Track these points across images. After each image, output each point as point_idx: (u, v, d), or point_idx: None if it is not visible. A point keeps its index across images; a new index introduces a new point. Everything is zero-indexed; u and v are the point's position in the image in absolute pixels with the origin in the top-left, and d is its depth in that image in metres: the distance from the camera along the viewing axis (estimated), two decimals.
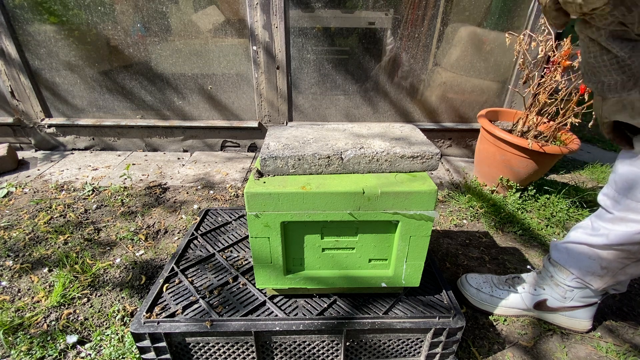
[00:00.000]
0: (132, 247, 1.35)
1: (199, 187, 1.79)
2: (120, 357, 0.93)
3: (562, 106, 1.55)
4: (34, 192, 1.70)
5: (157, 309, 0.81)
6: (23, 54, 1.91)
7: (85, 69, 1.96)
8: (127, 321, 1.04)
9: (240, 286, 0.90)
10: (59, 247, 1.33)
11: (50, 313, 1.06)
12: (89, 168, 1.95)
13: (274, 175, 0.75)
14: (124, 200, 1.65)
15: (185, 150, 2.20)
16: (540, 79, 1.59)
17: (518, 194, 1.68)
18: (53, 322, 1.03)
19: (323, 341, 0.82)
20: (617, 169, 0.84)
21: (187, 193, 1.74)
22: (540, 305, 1.02)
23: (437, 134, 2.15)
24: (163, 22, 1.86)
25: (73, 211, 1.55)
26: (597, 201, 0.91)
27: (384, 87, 2.03)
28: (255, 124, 2.10)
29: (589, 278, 0.92)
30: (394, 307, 0.85)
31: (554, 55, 1.51)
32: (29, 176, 1.85)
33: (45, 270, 1.22)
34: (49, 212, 1.54)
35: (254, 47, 1.90)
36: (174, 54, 1.94)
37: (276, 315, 0.81)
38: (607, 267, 0.89)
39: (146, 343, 0.78)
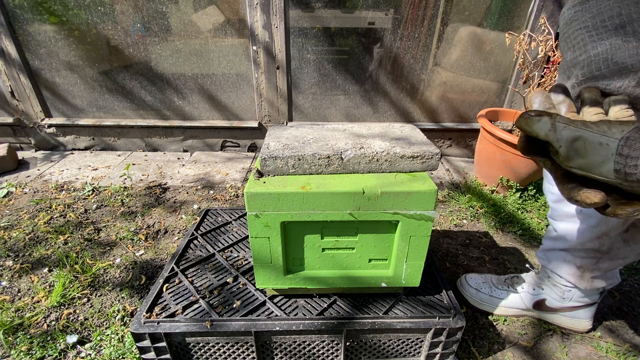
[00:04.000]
0: (132, 247, 1.35)
1: (199, 187, 1.79)
2: (120, 357, 0.93)
3: None
4: (34, 192, 1.70)
5: (157, 309, 0.81)
6: (23, 54, 1.91)
7: (85, 69, 1.97)
8: (127, 321, 1.04)
9: (240, 286, 0.90)
10: (59, 247, 1.33)
11: (50, 313, 1.06)
12: (89, 168, 1.95)
13: (274, 175, 0.75)
14: (124, 200, 1.65)
15: (185, 150, 2.20)
16: (540, 79, 1.59)
17: (518, 194, 1.68)
18: (53, 322, 1.03)
19: (323, 341, 0.82)
20: None
21: (187, 193, 1.74)
22: (539, 305, 1.02)
23: (437, 134, 2.15)
24: (163, 22, 1.86)
25: (73, 211, 1.55)
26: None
27: (384, 87, 2.03)
28: (255, 124, 2.10)
29: (573, 279, 0.93)
30: (394, 307, 0.84)
31: (554, 55, 1.51)
32: (29, 176, 1.85)
33: (45, 270, 1.22)
34: (49, 212, 1.54)
35: (254, 47, 1.90)
36: (174, 54, 1.94)
37: (276, 315, 0.81)
38: (582, 266, 0.90)
39: (146, 343, 0.78)
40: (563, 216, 0.88)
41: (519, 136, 0.50)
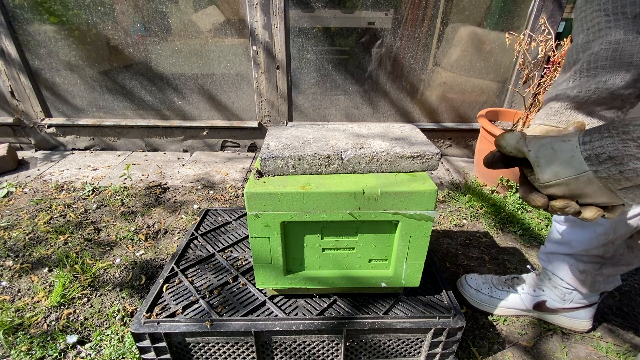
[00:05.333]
0: (132, 247, 1.35)
1: (199, 187, 1.79)
2: (120, 357, 0.93)
3: None
4: (34, 192, 1.70)
5: (157, 309, 0.81)
6: (23, 54, 1.91)
7: (85, 69, 1.96)
8: (127, 321, 1.04)
9: (240, 286, 0.90)
10: (59, 247, 1.33)
11: (50, 313, 1.06)
12: (89, 168, 1.95)
13: (274, 175, 0.75)
14: (124, 200, 1.65)
15: (185, 150, 2.20)
16: (540, 79, 1.59)
17: (518, 194, 1.68)
18: (53, 322, 1.03)
19: (323, 341, 0.82)
20: None
21: (187, 193, 1.74)
22: (539, 306, 1.02)
23: (437, 134, 2.15)
24: (163, 22, 1.86)
25: (73, 211, 1.55)
26: None
27: (384, 87, 2.03)
28: (255, 124, 2.10)
29: (575, 283, 0.93)
30: (394, 307, 0.84)
31: (554, 55, 1.51)
32: (29, 176, 1.85)
33: (45, 270, 1.22)
34: (49, 212, 1.54)
35: (254, 47, 1.90)
36: (174, 54, 1.94)
37: (276, 315, 0.81)
38: (584, 271, 0.90)
39: (146, 343, 0.78)
40: (569, 220, 0.88)
41: (488, 155, 0.55)
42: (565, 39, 1.48)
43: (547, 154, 0.46)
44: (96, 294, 1.13)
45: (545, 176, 0.46)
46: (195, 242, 1.07)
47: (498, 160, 0.54)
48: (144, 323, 0.78)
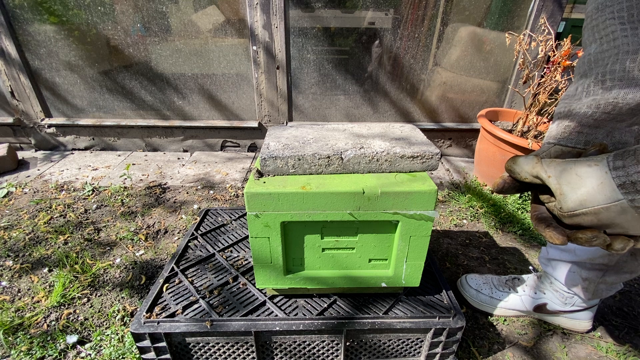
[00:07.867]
0: (132, 247, 1.35)
1: (199, 187, 1.79)
2: (120, 357, 0.93)
3: None
4: (34, 192, 1.70)
5: (157, 309, 0.81)
6: (23, 54, 1.91)
7: (85, 69, 1.97)
8: (127, 321, 1.04)
9: (240, 286, 0.90)
10: (59, 247, 1.33)
11: (50, 313, 1.06)
12: (89, 168, 1.95)
13: (274, 175, 0.75)
14: (124, 200, 1.65)
15: (185, 150, 2.20)
16: (540, 79, 1.59)
17: (518, 194, 1.68)
18: (53, 322, 1.03)
19: (323, 341, 0.82)
20: None
21: (187, 193, 1.73)
22: (540, 308, 1.02)
23: (437, 134, 2.15)
24: (163, 22, 1.86)
25: (73, 211, 1.55)
26: None
27: (384, 87, 2.03)
28: (255, 124, 2.10)
29: (577, 290, 0.93)
30: (394, 307, 0.84)
31: (554, 55, 1.51)
32: (29, 176, 1.85)
33: (45, 270, 1.22)
34: (49, 212, 1.54)
35: (254, 47, 1.90)
36: (174, 54, 1.94)
37: (276, 315, 0.81)
38: (587, 278, 0.90)
39: (146, 343, 0.78)
40: None
41: (498, 181, 0.50)
42: (565, 39, 1.48)
43: (571, 180, 0.41)
44: (96, 294, 1.13)
45: (570, 205, 0.41)
46: (195, 242, 1.07)
47: (510, 186, 0.49)
48: (144, 323, 0.78)
